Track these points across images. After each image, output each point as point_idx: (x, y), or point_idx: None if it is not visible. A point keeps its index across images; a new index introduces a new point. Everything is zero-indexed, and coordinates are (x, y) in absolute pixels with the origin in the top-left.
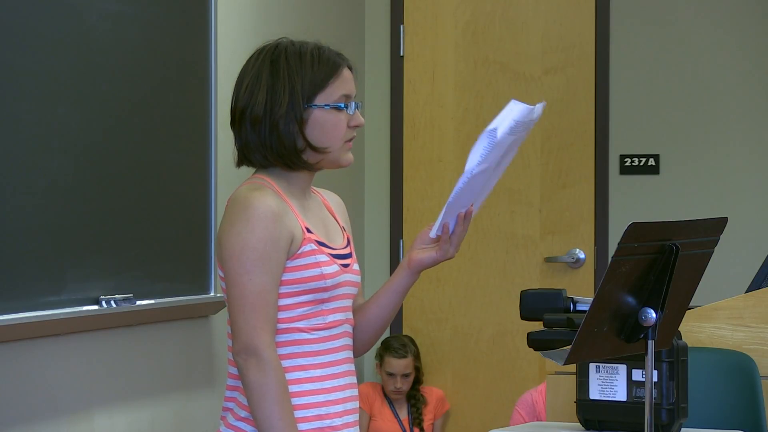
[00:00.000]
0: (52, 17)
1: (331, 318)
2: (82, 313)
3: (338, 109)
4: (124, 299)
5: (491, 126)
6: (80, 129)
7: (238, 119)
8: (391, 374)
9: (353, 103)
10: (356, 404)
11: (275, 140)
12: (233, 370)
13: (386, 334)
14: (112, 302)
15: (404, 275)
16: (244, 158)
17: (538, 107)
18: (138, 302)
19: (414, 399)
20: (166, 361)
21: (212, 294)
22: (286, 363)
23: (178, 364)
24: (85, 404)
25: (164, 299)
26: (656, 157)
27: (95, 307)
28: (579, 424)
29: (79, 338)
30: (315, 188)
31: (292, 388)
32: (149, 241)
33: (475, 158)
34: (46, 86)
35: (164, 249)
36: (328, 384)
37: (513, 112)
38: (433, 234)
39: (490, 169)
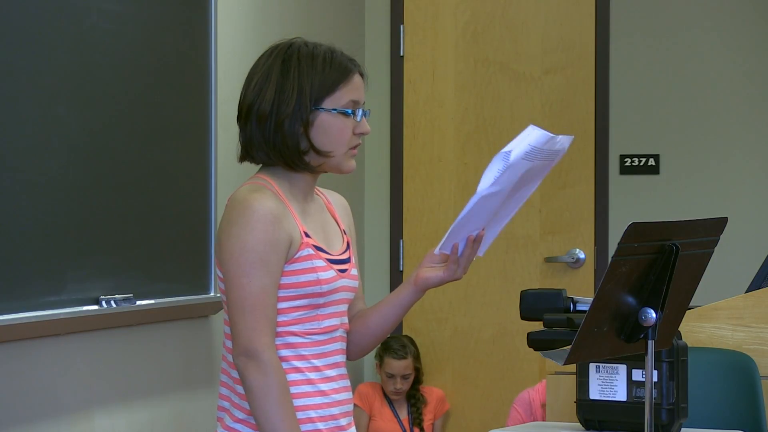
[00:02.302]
0: (52, 17)
1: (326, 323)
2: (82, 313)
3: (345, 114)
4: (124, 299)
5: (506, 148)
6: (80, 129)
7: (244, 115)
8: (390, 375)
9: (360, 111)
10: (350, 407)
11: (279, 139)
12: (228, 370)
13: None
14: (112, 302)
15: (409, 291)
16: (246, 154)
17: (563, 138)
18: (138, 302)
19: (414, 399)
20: (166, 361)
21: (212, 294)
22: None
23: (178, 364)
24: (85, 404)
25: (164, 299)
26: (656, 157)
27: (95, 307)
28: (579, 424)
29: (79, 338)
30: (320, 189)
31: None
32: (149, 241)
33: (487, 180)
34: (46, 86)
35: (164, 249)
36: (322, 387)
37: (530, 136)
38: (437, 251)
39: (503, 193)
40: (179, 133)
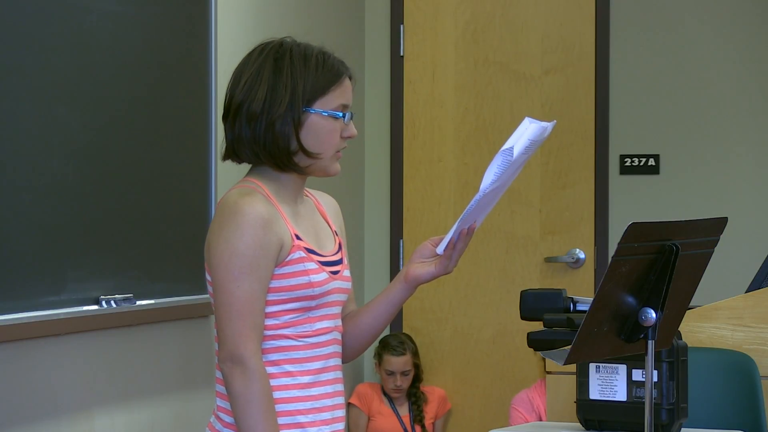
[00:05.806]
0: (52, 17)
1: (318, 325)
2: (82, 313)
3: (335, 117)
4: (124, 299)
5: (507, 145)
6: (80, 129)
7: (233, 113)
8: (390, 372)
9: (349, 114)
10: (343, 412)
11: (270, 139)
12: (220, 376)
13: (384, 332)
14: (112, 302)
15: (401, 289)
16: (232, 152)
17: (549, 125)
18: (138, 302)
19: (414, 397)
20: (165, 361)
21: None
22: (273, 370)
23: (178, 364)
24: (85, 404)
25: (164, 299)
26: (656, 157)
27: (95, 307)
28: (579, 424)
29: (79, 338)
30: (309, 190)
31: (279, 395)
32: (149, 241)
33: (489, 177)
34: (46, 86)
35: (164, 249)
36: (315, 391)
37: (528, 131)
38: (440, 250)
39: (499, 186)
40: (179, 133)
